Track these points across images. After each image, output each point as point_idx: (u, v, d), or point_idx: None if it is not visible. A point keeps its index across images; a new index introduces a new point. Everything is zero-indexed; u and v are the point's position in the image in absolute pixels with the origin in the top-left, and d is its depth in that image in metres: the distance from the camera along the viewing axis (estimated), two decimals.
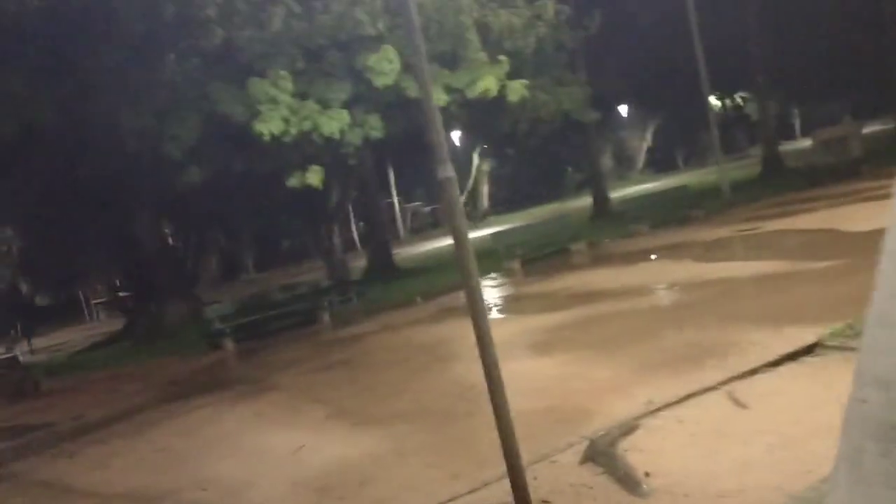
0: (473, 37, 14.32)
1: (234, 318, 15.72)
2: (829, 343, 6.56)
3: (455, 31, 13.81)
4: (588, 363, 8.04)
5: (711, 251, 14.28)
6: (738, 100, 38.69)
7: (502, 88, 14.82)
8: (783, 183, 22.56)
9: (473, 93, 14.41)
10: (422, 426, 7.19)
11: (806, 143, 34.34)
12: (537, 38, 16.10)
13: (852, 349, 6.30)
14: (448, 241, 25.19)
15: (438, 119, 5.00)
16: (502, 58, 14.70)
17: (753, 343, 7.18)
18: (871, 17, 26.20)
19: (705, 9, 20.80)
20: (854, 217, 13.75)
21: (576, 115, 18.87)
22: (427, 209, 43.56)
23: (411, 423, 7.37)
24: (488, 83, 14.35)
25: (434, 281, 18.06)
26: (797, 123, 45.34)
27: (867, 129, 30.16)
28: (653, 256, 15.32)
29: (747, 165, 29.61)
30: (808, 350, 6.57)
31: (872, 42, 26.90)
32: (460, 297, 16.08)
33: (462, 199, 31.79)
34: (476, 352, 8.84)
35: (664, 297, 10.94)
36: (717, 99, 22.12)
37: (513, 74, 15.06)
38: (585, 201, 28.36)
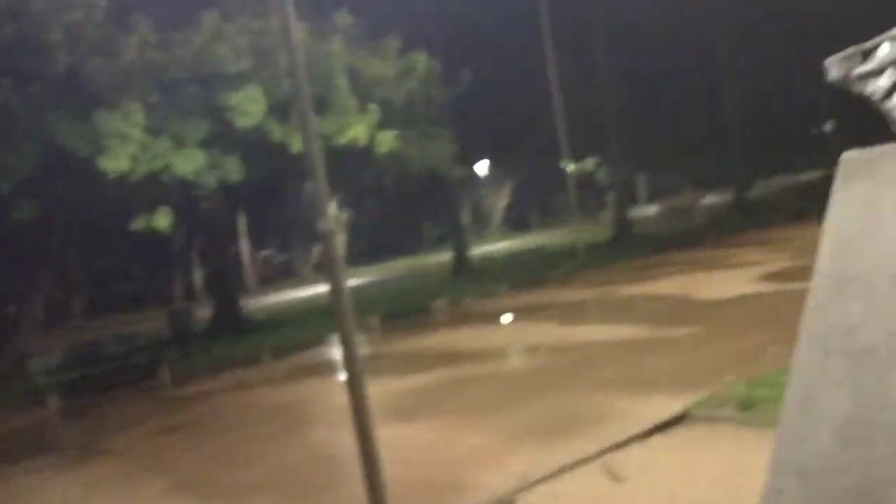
0: (343, 83, 14.00)
1: (60, 371, 14.24)
2: (696, 413, 6.63)
3: (325, 75, 13.41)
4: (456, 430, 7.71)
5: (573, 314, 14.46)
6: (590, 165, 40.52)
7: (371, 139, 14.54)
8: (634, 247, 23.53)
9: (341, 140, 14.02)
10: (279, 500, 6.58)
11: (652, 209, 36.49)
12: (408, 90, 16.03)
13: (718, 420, 6.37)
14: (302, 293, 24.21)
15: (322, 169, 4.63)
16: (373, 107, 14.44)
17: (624, 411, 7.12)
18: (711, 97, 28.60)
19: (564, 78, 21.70)
20: (703, 284, 14.42)
21: (443, 169, 18.89)
22: (279, 258, 42.28)
23: (267, 496, 6.80)
24: (357, 132, 14.02)
25: (288, 336, 17.20)
26: (643, 191, 48.10)
27: (708, 200, 32.45)
28: (508, 318, 15.37)
29: (598, 229, 30.86)
30: (677, 420, 6.57)
31: (712, 119, 29.39)
32: (317, 355, 15.33)
33: (317, 249, 30.55)
34: (337, 416, 8.18)
35: (530, 360, 10.83)
36: (571, 163, 23.05)
37: (382, 125, 14.83)
38: (443, 257, 28.44)
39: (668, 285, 15.40)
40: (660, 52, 26.07)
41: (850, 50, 2.70)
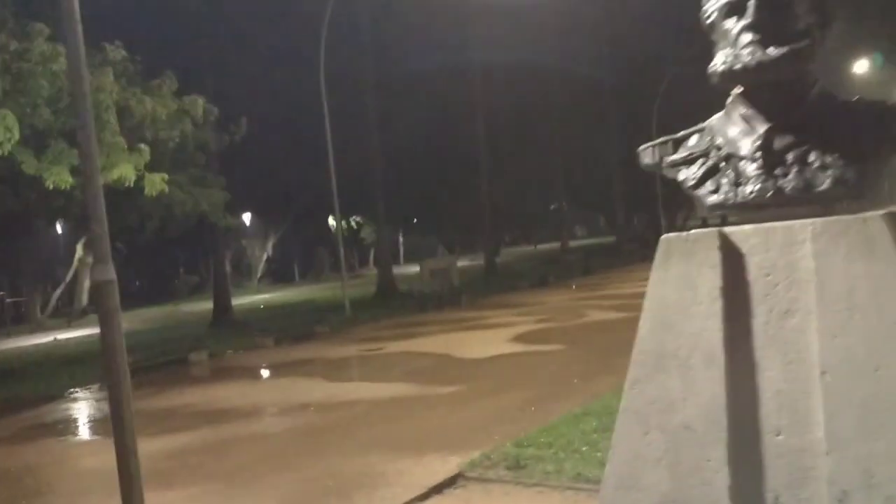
0: (112, 119, 12.97)
1: None
2: (470, 474, 6.75)
3: (92, 108, 12.30)
4: (222, 498, 7.22)
5: (340, 370, 14.36)
6: (354, 223, 41.46)
7: (139, 179, 13.57)
8: (397, 305, 24.10)
9: (106, 179, 12.88)
10: None
11: (410, 269, 37.85)
12: (182, 133, 15.27)
13: (490, 480, 6.57)
14: (36, 341, 21.82)
15: (102, 209, 4.21)
16: (143, 146, 13.51)
17: (398, 473, 7.12)
18: (469, 173, 31.50)
19: (337, 141, 22.24)
20: (463, 344, 15.02)
21: (213, 217, 18.13)
22: (7, 301, 37.70)
23: None
24: (125, 171, 12.98)
25: (17, 389, 15.30)
26: (402, 250, 49.82)
27: (462, 263, 34.47)
28: (273, 373, 14.99)
29: (361, 285, 31.15)
30: (451, 481, 6.67)
31: (466, 191, 32.61)
32: (52, 411, 13.79)
33: (57, 294, 27.91)
34: (79, 483, 7.42)
35: (299, 418, 10.51)
36: (336, 220, 23.48)
37: (152, 166, 13.92)
38: (200, 306, 27.14)
39: (430, 343, 15.89)
40: (426, 130, 29.76)
41: (662, 139, 2.84)
